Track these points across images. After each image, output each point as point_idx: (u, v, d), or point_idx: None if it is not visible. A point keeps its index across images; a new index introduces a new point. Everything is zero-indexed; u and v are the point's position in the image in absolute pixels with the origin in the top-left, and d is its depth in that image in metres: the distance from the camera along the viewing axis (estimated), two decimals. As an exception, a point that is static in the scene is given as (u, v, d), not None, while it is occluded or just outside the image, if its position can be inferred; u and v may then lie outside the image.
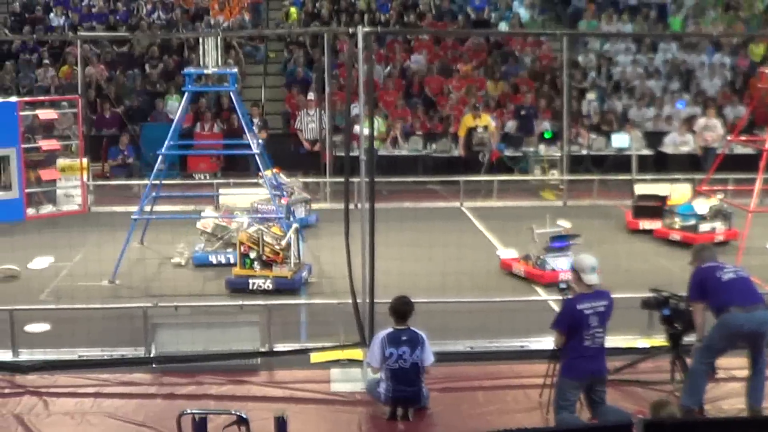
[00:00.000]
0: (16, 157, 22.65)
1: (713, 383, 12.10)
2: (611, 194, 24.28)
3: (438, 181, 26.13)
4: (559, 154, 26.31)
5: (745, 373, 11.75)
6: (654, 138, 28.25)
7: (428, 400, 12.07)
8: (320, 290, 16.91)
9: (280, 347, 13.87)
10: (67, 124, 24.81)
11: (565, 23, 33.91)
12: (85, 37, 29.27)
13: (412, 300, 12.12)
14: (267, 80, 31.99)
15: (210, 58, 18.22)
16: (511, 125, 28.65)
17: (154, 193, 18.95)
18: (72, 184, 23.87)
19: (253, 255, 16.79)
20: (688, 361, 11.98)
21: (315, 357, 13.68)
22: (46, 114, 24.06)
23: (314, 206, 22.40)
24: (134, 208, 18.94)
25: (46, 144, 23.79)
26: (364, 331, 13.04)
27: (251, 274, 16.78)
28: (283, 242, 16.78)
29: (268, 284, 16.66)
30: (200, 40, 19.06)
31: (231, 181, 24.87)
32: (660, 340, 12.99)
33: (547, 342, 12.49)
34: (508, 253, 18.41)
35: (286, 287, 16.66)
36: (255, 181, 22.02)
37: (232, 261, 17.66)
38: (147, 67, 31.25)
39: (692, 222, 19.96)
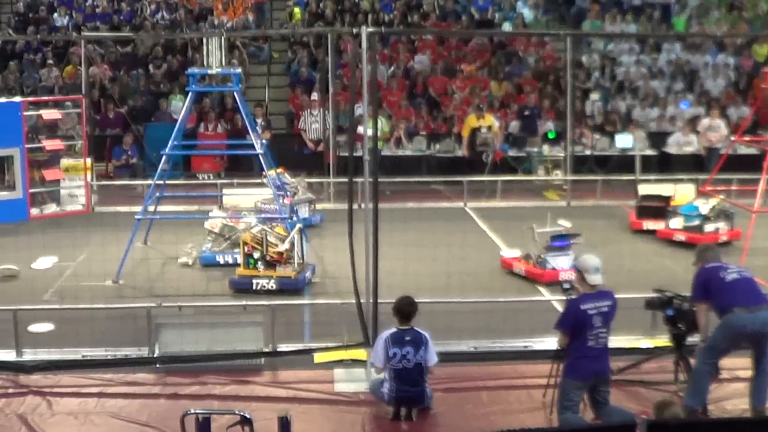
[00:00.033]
0: (20, 157, 22.68)
1: (717, 384, 12.09)
2: (615, 194, 24.25)
3: (441, 182, 26.14)
4: (563, 155, 26.32)
5: (748, 373, 11.74)
6: (658, 138, 28.23)
7: (432, 401, 12.07)
8: (324, 290, 16.91)
9: (283, 347, 13.87)
10: (70, 124, 24.82)
11: (568, 23, 33.92)
12: (89, 37, 29.26)
13: (416, 300, 12.11)
14: (271, 80, 32.01)
15: (214, 58, 18.23)
16: (514, 125, 28.63)
17: (157, 193, 18.97)
18: (76, 184, 23.91)
19: (256, 255, 16.80)
20: (692, 361, 11.98)
21: (318, 357, 13.69)
22: (49, 114, 24.07)
23: (318, 206, 22.38)
24: (138, 208, 18.96)
25: (50, 144, 23.80)
26: (367, 331, 13.05)
27: (255, 274, 16.79)
28: (287, 242, 16.78)
29: (271, 284, 16.67)
30: (204, 40, 19.06)
31: (235, 181, 24.85)
32: (663, 340, 12.99)
33: (551, 342, 12.46)
34: (512, 253, 18.43)
35: (289, 287, 16.67)
36: (258, 181, 22.02)
37: (239, 261, 17.66)
38: (151, 67, 31.29)
39: (696, 222, 19.94)
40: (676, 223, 20.24)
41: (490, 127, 26.66)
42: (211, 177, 27.03)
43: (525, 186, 26.12)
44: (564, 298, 12.01)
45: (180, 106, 25.25)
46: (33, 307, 15.17)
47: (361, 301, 13.13)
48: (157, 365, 13.41)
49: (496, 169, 26.56)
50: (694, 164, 26.44)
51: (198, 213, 21.96)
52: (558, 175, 26.29)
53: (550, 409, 11.66)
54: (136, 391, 12.81)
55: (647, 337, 13.83)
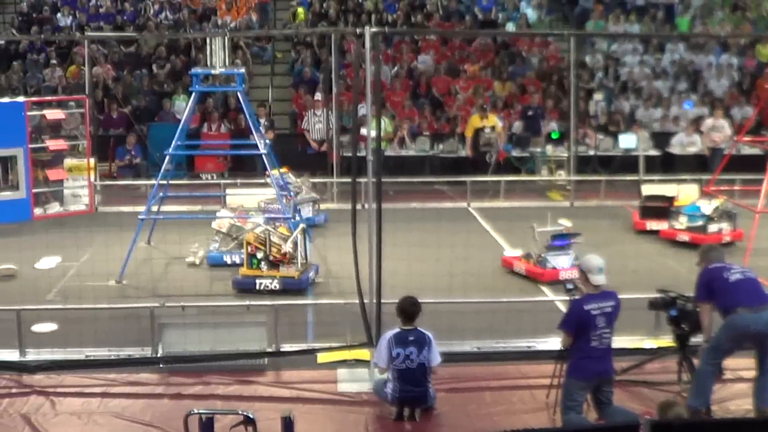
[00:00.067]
0: (23, 157, 22.68)
1: (720, 384, 12.09)
2: (618, 195, 24.25)
3: (445, 182, 26.15)
4: (566, 155, 26.32)
5: (752, 374, 11.74)
6: (661, 138, 28.24)
7: (435, 401, 12.06)
8: (327, 290, 16.92)
9: (287, 347, 13.86)
10: (74, 124, 24.84)
11: (572, 24, 33.92)
12: (92, 37, 29.28)
13: (419, 300, 12.11)
14: (274, 80, 32.02)
15: (217, 59, 18.24)
16: (517, 126, 28.62)
17: (161, 193, 18.97)
18: (79, 184, 23.92)
19: (260, 255, 16.80)
20: (695, 361, 11.97)
21: (322, 357, 13.69)
22: (53, 114, 24.09)
23: (321, 206, 22.37)
24: (141, 208, 18.96)
25: (54, 144, 23.81)
26: (371, 331, 13.05)
27: (258, 275, 16.79)
28: (290, 242, 16.78)
29: (275, 284, 16.67)
30: (207, 41, 19.09)
31: (238, 181, 24.88)
32: (667, 340, 12.99)
33: (554, 342, 12.47)
34: (515, 253, 18.45)
35: (293, 287, 16.67)
36: (262, 181, 22.02)
37: (247, 261, 17.69)
38: (154, 67, 31.30)
39: (699, 223, 19.93)
40: (679, 223, 20.22)
41: (493, 128, 26.66)
42: (215, 177, 27.05)
43: (528, 186, 26.12)
44: (567, 298, 12.00)
45: (183, 106, 25.29)
46: (36, 307, 15.15)
47: (365, 301, 13.13)
48: (161, 365, 13.41)
49: (500, 170, 26.55)
50: (698, 164, 26.44)
51: (201, 213, 22.02)
52: (561, 176, 26.30)
53: (554, 409, 11.65)
54: (140, 391, 12.81)
55: (651, 338, 13.83)
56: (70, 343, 13.92)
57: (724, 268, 11.63)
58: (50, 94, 27.92)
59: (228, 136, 27.82)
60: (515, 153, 27.66)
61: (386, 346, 11.80)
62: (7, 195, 22.58)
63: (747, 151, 25.98)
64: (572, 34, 28.21)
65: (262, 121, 26.11)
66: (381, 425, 11.84)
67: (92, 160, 24.09)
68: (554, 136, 27.80)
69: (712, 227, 19.84)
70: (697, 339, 12.08)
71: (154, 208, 18.98)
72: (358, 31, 13.14)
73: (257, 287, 16.67)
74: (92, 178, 23.94)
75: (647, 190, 21.88)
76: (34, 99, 25.09)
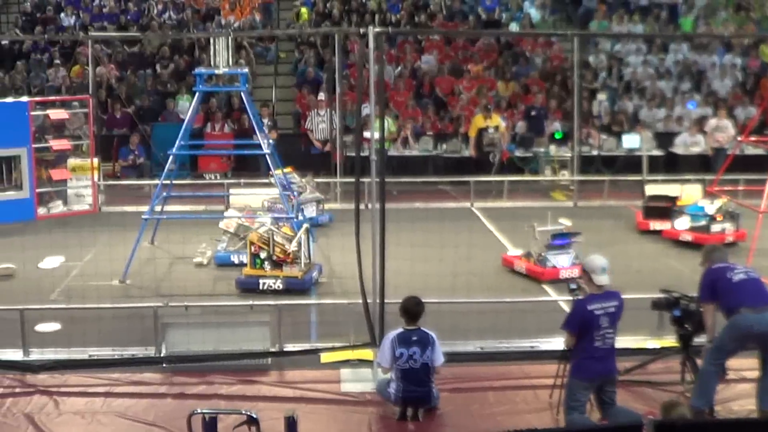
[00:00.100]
0: (27, 156, 22.70)
1: (724, 384, 12.09)
2: (622, 195, 24.25)
3: (448, 182, 26.14)
4: (570, 155, 26.31)
5: (755, 374, 11.74)
6: (665, 138, 28.22)
7: (438, 401, 12.07)
8: (330, 290, 16.93)
9: (290, 347, 13.88)
10: (78, 124, 24.84)
11: (575, 24, 33.89)
12: (96, 37, 29.30)
13: (423, 300, 12.11)
14: (278, 80, 32.01)
15: (221, 59, 18.25)
16: (521, 126, 28.60)
17: (164, 193, 18.97)
18: (83, 184, 23.93)
19: (263, 255, 16.80)
20: (699, 362, 11.97)
21: (325, 357, 13.69)
22: (57, 114, 24.09)
23: (325, 206, 22.37)
24: (145, 208, 18.95)
25: (57, 144, 23.82)
26: (374, 331, 13.05)
27: (261, 274, 16.79)
28: (294, 242, 16.79)
29: (278, 284, 16.67)
30: (211, 41, 19.09)
31: (241, 181, 24.89)
32: (670, 340, 12.98)
33: (558, 342, 12.48)
34: (516, 252, 18.49)
35: (296, 287, 16.67)
36: (265, 180, 22.03)
37: (254, 261, 17.68)
38: (158, 67, 31.30)
39: (702, 223, 19.92)
40: (682, 223, 20.21)
41: (497, 128, 26.65)
42: (218, 177, 27.07)
43: (532, 186, 26.12)
44: (571, 298, 12.00)
45: (187, 106, 25.29)
46: (40, 306, 15.17)
47: (368, 301, 13.13)
48: (164, 365, 13.41)
49: (503, 170, 26.57)
50: (701, 164, 26.43)
51: (205, 213, 22.02)
52: (565, 176, 26.29)
53: (557, 409, 11.65)
54: (143, 391, 12.82)
55: (654, 338, 13.83)
56: (74, 343, 13.93)
57: (727, 269, 11.62)
58: (54, 94, 27.90)
59: (231, 136, 27.83)
60: (518, 153, 27.65)
61: (389, 346, 11.81)
62: (10, 195, 22.59)
63: (750, 151, 25.99)
64: (576, 34, 28.23)
65: (266, 121, 26.12)
66: (384, 425, 11.84)
67: (96, 160, 24.11)
68: (557, 136, 27.79)
69: (715, 227, 19.83)
70: (700, 339, 12.08)
71: (158, 208, 18.99)
72: (361, 31, 13.15)
73: (260, 287, 16.67)
74: (96, 178, 23.97)
75: (650, 190, 21.87)
76: (37, 99, 25.09)
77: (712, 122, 27.32)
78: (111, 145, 27.32)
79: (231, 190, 22.87)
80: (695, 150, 27.42)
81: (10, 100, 24.11)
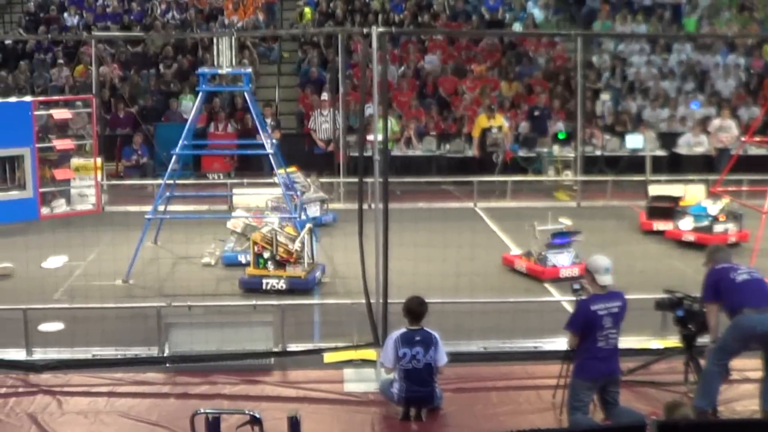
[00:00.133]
0: (30, 156, 22.72)
1: (727, 385, 12.07)
2: (625, 195, 24.23)
3: (451, 182, 26.14)
4: (573, 155, 26.32)
5: (758, 374, 11.73)
6: (668, 139, 28.20)
7: (441, 401, 12.06)
8: (334, 290, 16.92)
9: (293, 347, 13.87)
10: (81, 124, 24.85)
11: (579, 24, 33.89)
12: (99, 36, 29.31)
13: (426, 300, 12.11)
14: (281, 80, 32.04)
15: (224, 58, 18.25)
16: (524, 126, 28.59)
17: (168, 193, 18.97)
18: (86, 184, 23.95)
19: (266, 255, 16.80)
20: (702, 362, 11.97)
21: (328, 357, 13.69)
22: (60, 113, 24.12)
23: (329, 206, 22.40)
24: (148, 208, 18.96)
25: (61, 143, 23.85)
26: (377, 331, 13.05)
27: (265, 274, 16.79)
28: (297, 242, 16.78)
29: (281, 284, 16.67)
30: (214, 40, 19.09)
31: (245, 180, 24.90)
32: (674, 341, 12.99)
33: (561, 343, 12.47)
34: (517, 251, 18.56)
35: (299, 287, 16.67)
36: (268, 180, 22.03)
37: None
38: (161, 66, 31.33)
39: (704, 223, 19.90)
40: (685, 223, 20.19)
41: (500, 128, 26.65)
42: (221, 177, 27.07)
43: (535, 186, 26.12)
44: (574, 298, 11.99)
45: (190, 106, 25.28)
46: (43, 306, 15.19)
47: (371, 301, 13.13)
48: (167, 365, 13.42)
49: (506, 170, 26.56)
50: (705, 165, 26.41)
51: (208, 213, 22.03)
52: (568, 176, 26.30)
53: (560, 409, 11.66)
54: (146, 391, 12.82)
55: (657, 338, 13.82)
56: (77, 343, 13.94)
57: (731, 269, 11.62)
58: (57, 93, 27.93)
59: (235, 135, 27.84)
60: (522, 153, 27.64)
61: (393, 346, 11.81)
62: (14, 194, 22.60)
63: (754, 151, 25.97)
64: (579, 35, 28.17)
65: (269, 120, 26.12)
66: (387, 425, 11.84)
67: (99, 160, 24.12)
68: (561, 136, 27.80)
69: (718, 228, 19.82)
70: (703, 339, 12.08)
71: (161, 208, 18.99)
72: (365, 31, 13.16)
73: (264, 287, 16.68)
74: (99, 178, 23.98)
75: (654, 190, 21.87)
76: (41, 98, 25.10)
77: (716, 122, 27.30)
78: (114, 145, 27.34)
79: (234, 190, 22.89)
80: (698, 150, 27.41)
81: (13, 99, 24.11)
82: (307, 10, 33.87)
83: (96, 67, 25.75)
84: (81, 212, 23.41)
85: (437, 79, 30.75)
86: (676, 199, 21.02)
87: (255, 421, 9.55)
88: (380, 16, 33.02)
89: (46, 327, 14.64)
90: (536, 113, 28.80)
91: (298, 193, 20.59)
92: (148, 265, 18.20)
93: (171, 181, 18.98)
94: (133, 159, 27.19)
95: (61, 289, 17.12)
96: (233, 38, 18.61)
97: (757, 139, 23.00)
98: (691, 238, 19.84)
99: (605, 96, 29.68)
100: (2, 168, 22.62)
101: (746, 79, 31.46)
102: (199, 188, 24.08)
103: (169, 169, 18.63)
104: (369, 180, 13.59)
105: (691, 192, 21.32)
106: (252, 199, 20.99)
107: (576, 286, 12.04)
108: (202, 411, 9.73)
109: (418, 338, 11.78)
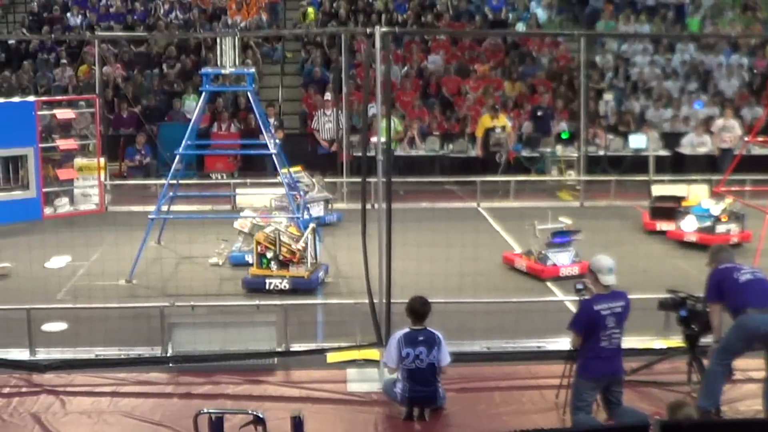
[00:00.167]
0: (33, 156, 22.73)
1: (730, 384, 12.08)
2: (628, 195, 24.21)
3: (455, 182, 26.14)
4: (576, 155, 26.30)
5: (761, 374, 11.73)
6: (671, 139, 28.19)
7: (444, 401, 12.07)
8: (337, 290, 16.93)
9: (296, 347, 13.88)
10: (84, 124, 24.88)
11: (582, 24, 33.88)
12: (102, 36, 29.35)
13: (429, 300, 12.11)
14: (284, 80, 32.03)
15: (227, 58, 18.26)
16: (527, 126, 28.56)
17: (171, 193, 18.98)
18: (89, 184, 23.96)
19: (269, 255, 16.81)
20: (705, 362, 11.96)
21: (331, 357, 13.69)
22: (63, 113, 24.14)
23: (333, 206, 22.41)
24: (151, 208, 18.97)
25: (64, 143, 23.87)
26: (380, 331, 13.04)
27: (268, 274, 16.80)
28: (300, 242, 16.79)
29: (284, 284, 16.68)
30: (218, 40, 19.12)
31: (248, 180, 24.91)
32: (677, 341, 12.98)
33: (564, 343, 12.47)
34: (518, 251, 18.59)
35: (302, 287, 16.68)
36: (271, 180, 22.04)
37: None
38: (164, 66, 31.33)
39: (707, 223, 19.88)
40: (687, 224, 20.17)
41: (503, 128, 26.64)
42: (225, 177, 27.08)
43: (538, 186, 26.12)
44: (577, 298, 11.99)
45: (193, 106, 25.32)
46: (46, 306, 15.20)
47: (374, 301, 13.12)
48: (170, 364, 13.42)
49: (510, 170, 26.55)
50: (708, 165, 26.40)
51: (211, 213, 22.04)
52: (571, 176, 26.30)
53: (563, 409, 11.65)
54: (149, 391, 12.83)
55: (660, 338, 13.82)
56: (80, 343, 13.96)
57: (734, 269, 11.62)
58: (60, 93, 27.95)
59: (238, 135, 27.85)
60: (525, 153, 27.64)
61: (396, 346, 11.81)
62: (17, 194, 22.61)
63: (757, 151, 25.98)
64: (582, 34, 28.17)
65: (272, 120, 26.12)
66: (390, 425, 11.84)
67: (102, 160, 24.14)
68: (564, 136, 27.79)
69: (720, 228, 19.79)
70: (706, 339, 12.07)
71: (164, 208, 18.98)
72: (368, 30, 13.14)
73: (267, 287, 16.69)
74: (102, 178, 23.98)
75: (657, 190, 21.87)
76: (44, 98, 25.13)
77: (719, 122, 27.28)
78: (117, 145, 27.35)
79: (237, 190, 22.88)
80: (702, 150, 27.40)
81: (17, 99, 24.13)
82: (310, 10, 33.87)
83: (99, 67, 25.75)
84: (84, 212, 23.41)
85: (440, 79, 30.75)
86: (679, 199, 21.01)
87: (258, 421, 9.57)
88: (383, 16, 33.00)
89: (49, 327, 14.66)
90: (539, 113, 28.78)
91: (302, 192, 20.58)
92: (151, 265, 18.21)
93: (174, 181, 18.99)
94: (136, 159, 27.19)
95: (65, 289, 17.14)
96: (236, 38, 18.63)
97: (761, 139, 23.00)
98: (693, 238, 19.82)
99: (608, 96, 29.58)
100: (6, 168, 22.63)
101: (749, 79, 31.45)
102: (202, 188, 24.09)
103: (172, 169, 18.64)
104: (372, 180, 13.59)
105: (695, 192, 21.30)
106: (255, 198, 20.98)
107: (579, 286, 12.04)
108: (206, 411, 9.75)
109: (421, 338, 11.79)
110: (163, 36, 31.91)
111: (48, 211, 23.06)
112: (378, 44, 12.89)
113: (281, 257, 16.74)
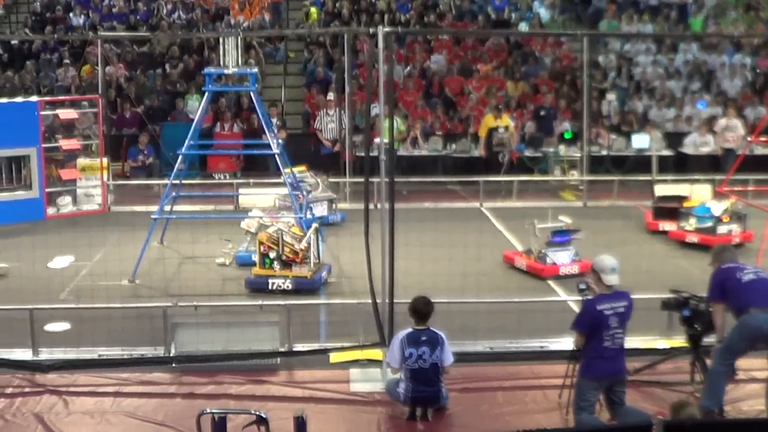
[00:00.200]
0: (36, 156, 22.73)
1: (733, 384, 12.08)
2: (631, 195, 24.21)
3: (457, 182, 26.13)
4: (579, 155, 26.29)
5: (764, 374, 11.75)
6: (674, 138, 28.17)
7: (447, 401, 12.07)
8: (340, 290, 16.93)
9: (299, 347, 13.88)
10: (87, 124, 24.87)
11: (585, 23, 33.85)
12: (105, 36, 29.35)
13: (432, 300, 12.11)
14: (287, 80, 32.01)
15: (230, 58, 18.26)
16: (530, 126, 28.55)
17: (174, 193, 18.97)
18: (92, 184, 23.95)
19: (272, 255, 16.80)
20: (708, 362, 11.95)
21: (334, 357, 13.69)
22: (66, 113, 24.13)
23: (337, 206, 22.41)
24: (154, 208, 18.97)
25: (67, 143, 23.87)
26: (383, 331, 13.03)
27: (271, 274, 16.80)
28: (303, 242, 16.78)
29: (287, 284, 16.68)
30: (220, 40, 19.11)
31: (251, 180, 24.91)
32: (680, 341, 12.96)
33: (567, 342, 12.48)
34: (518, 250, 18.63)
35: (305, 287, 16.68)
36: (274, 180, 22.03)
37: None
38: (167, 66, 31.31)
39: (708, 224, 19.85)
40: (688, 224, 20.14)
41: (506, 128, 26.63)
42: (227, 177, 27.08)
43: (541, 186, 26.11)
44: (580, 298, 11.99)
45: (196, 106, 25.32)
46: (49, 306, 15.20)
47: (377, 301, 13.11)
48: (173, 365, 13.42)
49: (512, 170, 26.55)
50: (711, 165, 26.37)
51: (214, 212, 22.04)
52: (574, 176, 26.29)
53: (566, 409, 11.65)
54: (152, 391, 12.83)
55: (663, 338, 13.82)
56: (83, 343, 13.96)
57: (737, 269, 11.62)
58: (63, 93, 27.94)
59: (240, 135, 27.84)
60: (528, 153, 27.63)
61: (399, 346, 11.81)
62: (20, 194, 22.63)
63: (760, 151, 25.96)
64: (585, 34, 28.19)
65: (275, 120, 26.12)
66: (393, 425, 11.84)
67: (105, 160, 24.14)
68: (567, 136, 27.78)
69: (722, 228, 19.76)
70: (709, 339, 12.07)
71: (167, 208, 18.98)
72: (371, 30, 13.14)
73: (270, 287, 16.69)
74: (105, 178, 23.99)
75: (660, 190, 21.84)
76: (47, 99, 25.13)
77: (722, 122, 27.26)
78: (120, 145, 27.36)
79: (240, 190, 22.88)
80: (705, 150, 27.37)
81: (19, 99, 24.15)
82: (313, 10, 33.85)
83: (102, 67, 25.77)
84: (87, 212, 23.42)
85: (443, 78, 30.74)
86: (682, 199, 20.98)
87: (261, 421, 9.56)
88: (386, 16, 32.99)
89: (52, 327, 14.67)
90: (542, 113, 28.79)
91: (305, 192, 20.58)
92: (154, 265, 18.21)
93: (177, 181, 18.98)
94: (139, 159, 27.19)
95: (68, 289, 17.15)
96: (239, 38, 18.62)
97: (764, 138, 22.99)
98: (694, 239, 19.80)
99: (611, 96, 29.61)
100: (9, 168, 22.64)
101: (752, 78, 31.43)
102: (205, 188, 24.10)
103: (175, 169, 18.64)
104: (375, 180, 13.59)
105: (698, 192, 21.28)
106: (258, 199, 20.98)
107: (582, 286, 12.03)
108: (209, 411, 9.74)
109: (424, 338, 11.78)
110: (166, 36, 31.90)
111: (51, 211, 23.07)
112: (381, 44, 12.88)
113: (284, 257, 16.74)
